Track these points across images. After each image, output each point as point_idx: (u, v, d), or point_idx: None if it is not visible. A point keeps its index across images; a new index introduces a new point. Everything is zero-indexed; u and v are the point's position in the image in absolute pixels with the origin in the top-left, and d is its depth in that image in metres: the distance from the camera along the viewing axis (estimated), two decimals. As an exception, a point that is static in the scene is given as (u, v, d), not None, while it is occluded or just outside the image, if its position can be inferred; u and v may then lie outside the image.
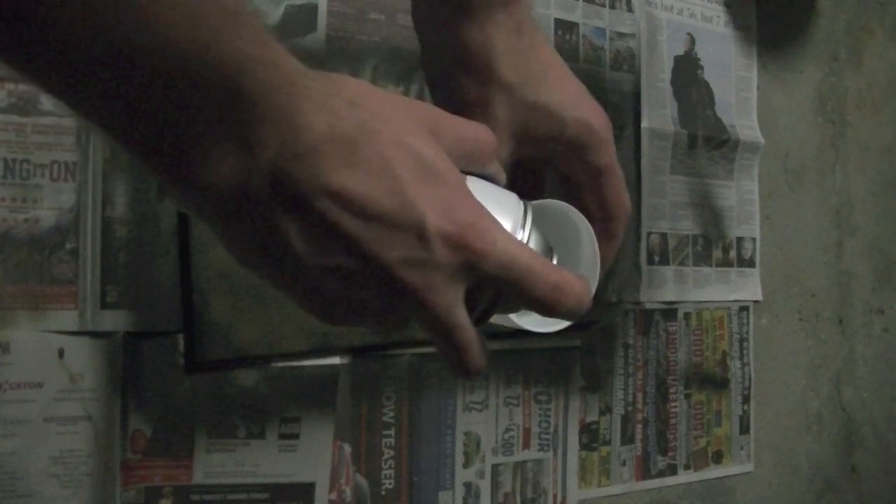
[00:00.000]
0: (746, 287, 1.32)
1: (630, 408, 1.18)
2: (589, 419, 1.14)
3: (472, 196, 0.39)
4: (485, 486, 1.04)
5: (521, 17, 0.48)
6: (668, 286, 1.22)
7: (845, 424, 1.46)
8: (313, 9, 0.94)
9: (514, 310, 0.46)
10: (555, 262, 0.44)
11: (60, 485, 0.80)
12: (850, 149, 1.48)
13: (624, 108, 1.18)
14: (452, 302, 0.40)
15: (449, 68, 0.50)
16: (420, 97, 1.00)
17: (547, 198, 0.48)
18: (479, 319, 0.43)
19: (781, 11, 1.38)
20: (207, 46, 0.33)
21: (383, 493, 0.96)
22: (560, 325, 0.48)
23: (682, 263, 1.24)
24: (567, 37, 1.13)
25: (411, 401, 0.99)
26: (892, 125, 1.54)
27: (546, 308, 0.41)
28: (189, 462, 0.86)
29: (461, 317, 0.41)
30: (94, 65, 0.32)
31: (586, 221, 0.48)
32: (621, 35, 1.18)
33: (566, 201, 0.49)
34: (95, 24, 0.31)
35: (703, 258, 1.27)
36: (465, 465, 1.03)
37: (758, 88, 1.35)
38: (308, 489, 0.91)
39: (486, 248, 0.38)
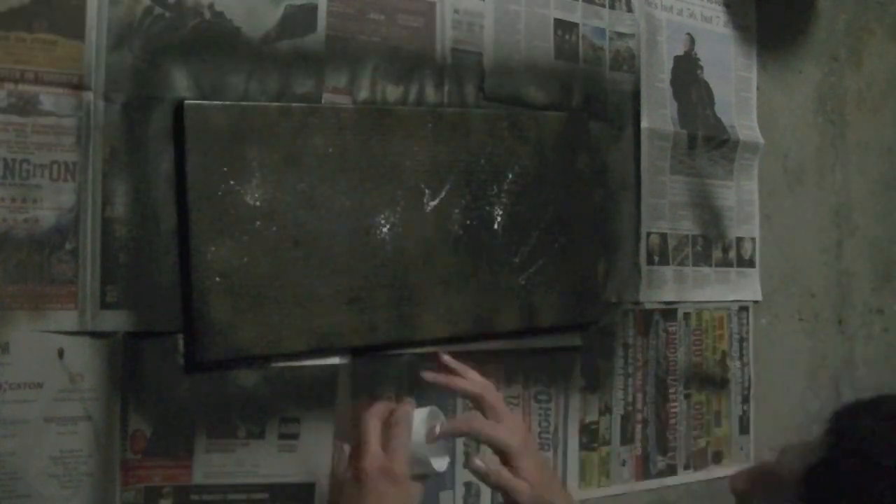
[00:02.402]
0: (746, 287, 1.32)
1: (630, 408, 1.18)
2: (589, 419, 1.14)
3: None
4: (485, 486, 1.04)
5: None
6: (668, 286, 1.22)
7: (845, 424, 1.46)
8: (313, 9, 0.94)
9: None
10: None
11: (60, 485, 0.80)
12: (849, 149, 1.48)
13: (624, 108, 1.18)
14: None
15: None
16: (420, 97, 1.00)
17: None
18: None
19: (781, 11, 1.38)
20: None
21: None
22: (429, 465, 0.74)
23: (681, 263, 1.24)
24: (567, 37, 1.13)
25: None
26: (892, 125, 1.54)
27: None
28: (189, 462, 0.86)
29: None
30: None
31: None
32: (621, 35, 1.18)
33: None
34: None
35: (702, 258, 1.27)
36: (465, 465, 1.03)
37: (758, 88, 1.35)
38: (308, 489, 0.91)
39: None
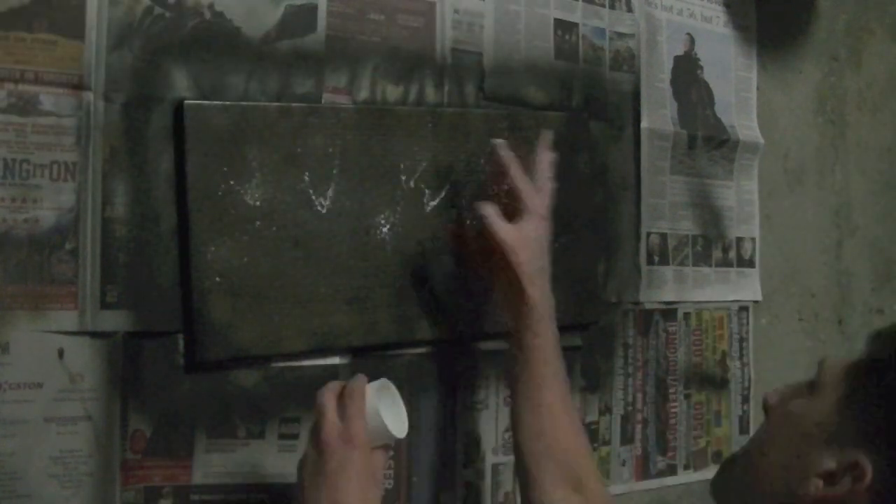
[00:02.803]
0: (746, 287, 1.32)
1: (630, 408, 1.18)
2: (589, 419, 1.14)
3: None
4: (485, 486, 1.04)
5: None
6: (668, 286, 1.22)
7: (845, 424, 1.46)
8: (313, 9, 0.94)
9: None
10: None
11: (60, 485, 0.80)
12: (849, 149, 1.48)
13: (624, 108, 1.18)
14: None
15: None
16: (420, 97, 1.00)
17: None
18: None
19: (781, 11, 1.38)
20: None
21: (383, 492, 0.96)
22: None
23: (681, 263, 1.24)
24: (567, 37, 1.13)
25: (411, 401, 0.99)
26: (892, 125, 1.54)
27: None
28: (189, 462, 0.86)
29: None
30: None
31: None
32: (621, 35, 1.18)
33: None
34: None
35: (702, 258, 1.27)
36: (465, 466, 1.03)
37: (758, 88, 1.35)
38: (308, 489, 0.91)
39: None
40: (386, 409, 0.76)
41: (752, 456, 0.76)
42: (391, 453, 0.82)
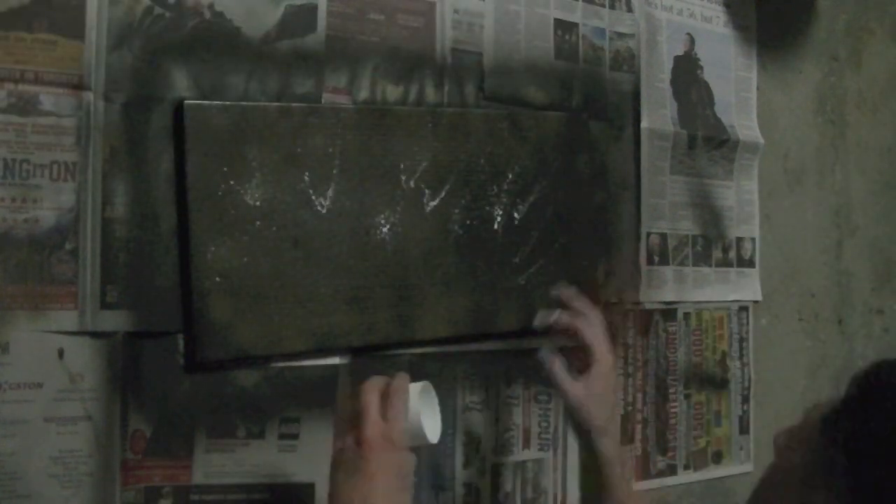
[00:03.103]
0: (746, 287, 1.32)
1: (630, 408, 1.18)
2: (589, 419, 1.14)
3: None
4: (485, 486, 1.04)
5: None
6: (668, 286, 1.22)
7: (845, 424, 1.46)
8: (313, 9, 0.94)
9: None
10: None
11: (60, 485, 0.80)
12: (849, 149, 1.48)
13: (624, 108, 1.18)
14: None
15: None
16: (420, 97, 1.00)
17: None
18: None
19: (781, 11, 1.38)
20: None
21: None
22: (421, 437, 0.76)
23: (681, 263, 1.24)
24: (567, 37, 1.13)
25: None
26: (892, 125, 1.54)
27: None
28: (189, 462, 0.86)
29: None
30: None
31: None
32: (621, 35, 1.18)
33: None
34: None
35: (702, 258, 1.27)
36: (465, 465, 1.03)
37: (758, 88, 1.35)
38: (308, 489, 0.91)
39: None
40: (425, 412, 0.76)
41: (759, 499, 0.75)
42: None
